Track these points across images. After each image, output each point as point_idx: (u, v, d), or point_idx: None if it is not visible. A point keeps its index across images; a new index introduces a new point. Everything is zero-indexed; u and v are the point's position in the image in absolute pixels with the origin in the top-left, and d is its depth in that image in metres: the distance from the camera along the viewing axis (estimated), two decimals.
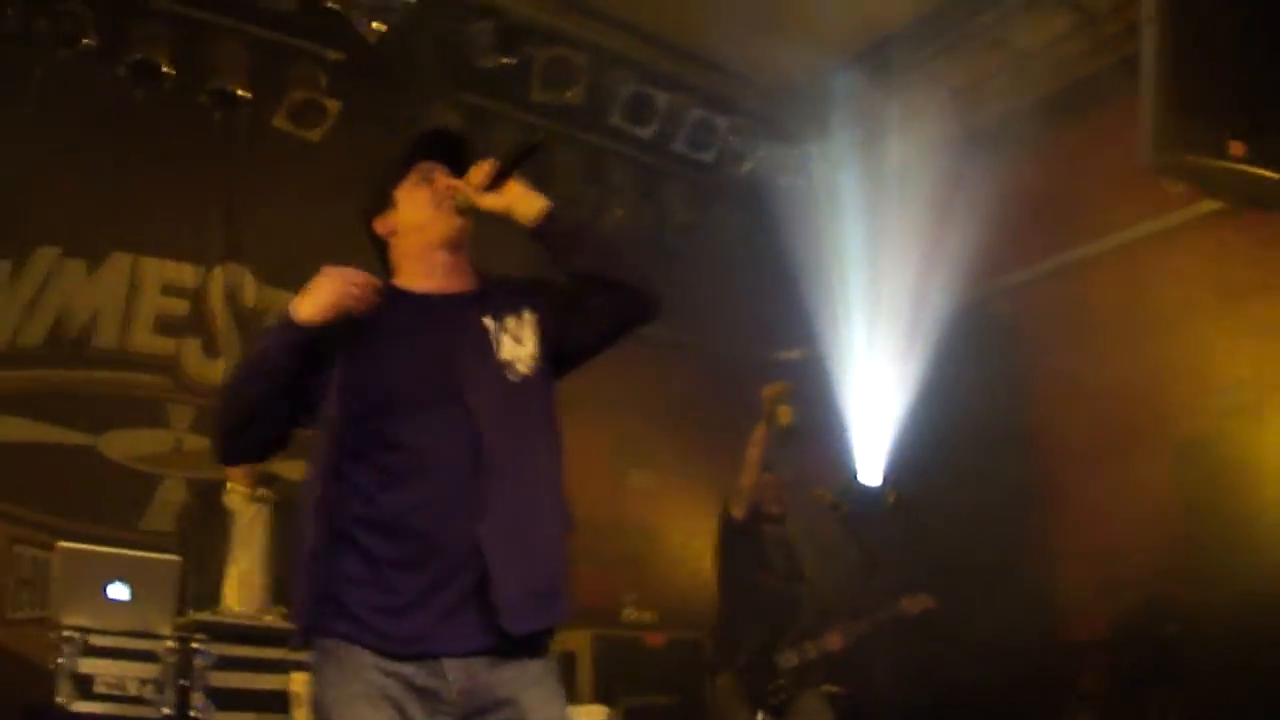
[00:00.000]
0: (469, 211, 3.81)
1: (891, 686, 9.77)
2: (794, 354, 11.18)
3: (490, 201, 3.78)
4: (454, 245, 3.87)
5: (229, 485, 7.83)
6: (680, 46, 10.94)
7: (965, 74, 10.60)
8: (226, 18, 9.61)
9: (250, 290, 10.21)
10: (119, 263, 9.73)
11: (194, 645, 6.79)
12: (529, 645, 3.56)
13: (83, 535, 7.92)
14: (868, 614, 8.84)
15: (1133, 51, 8.29)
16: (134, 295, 9.78)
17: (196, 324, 10.02)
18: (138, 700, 6.69)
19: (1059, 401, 9.83)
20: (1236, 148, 5.82)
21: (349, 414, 3.61)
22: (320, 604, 3.54)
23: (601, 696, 9.01)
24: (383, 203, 3.94)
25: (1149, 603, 8.97)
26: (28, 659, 8.05)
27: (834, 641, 8.65)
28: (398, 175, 3.93)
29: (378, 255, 3.96)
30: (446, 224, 3.84)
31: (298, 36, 9.89)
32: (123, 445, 9.51)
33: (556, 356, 3.83)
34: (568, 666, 9.36)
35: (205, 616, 7.14)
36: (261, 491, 7.84)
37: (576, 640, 9.55)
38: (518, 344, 3.78)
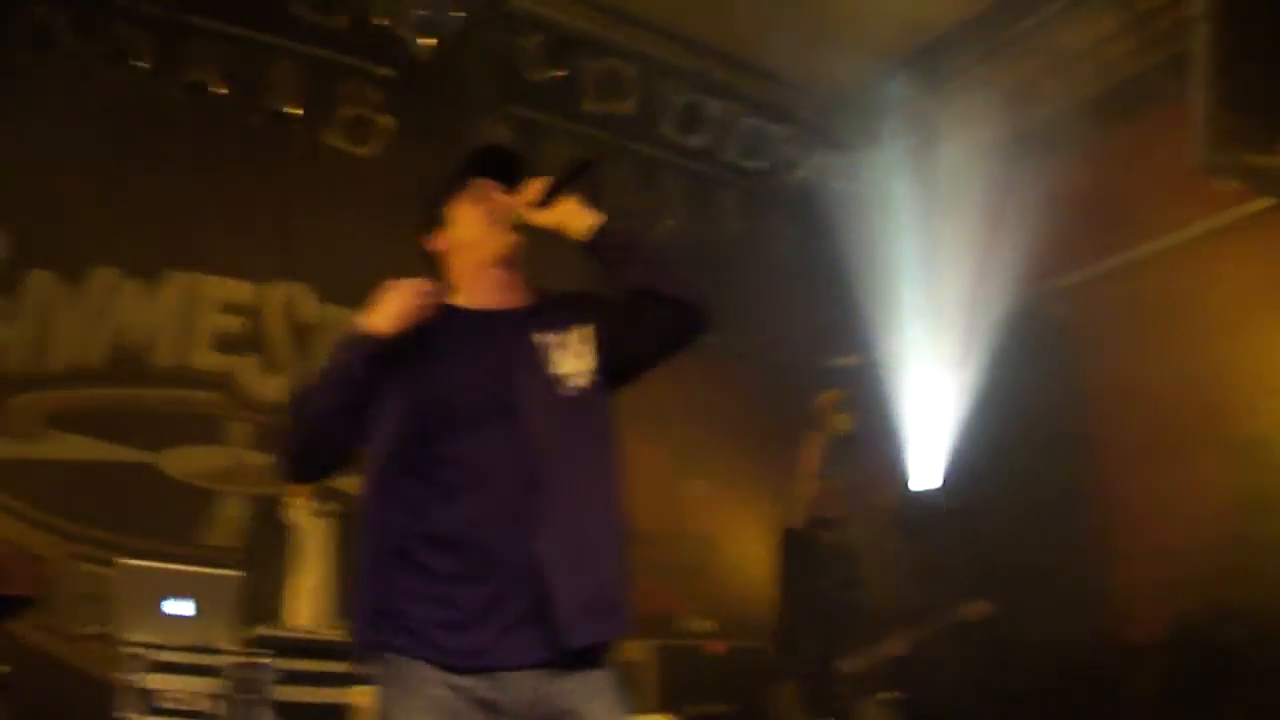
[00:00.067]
0: (522, 228, 3.83)
1: (950, 692, 9.74)
2: (850, 361, 11.13)
3: (543, 218, 3.79)
4: (507, 261, 3.89)
5: (296, 501, 7.88)
6: (730, 55, 10.94)
7: (1013, 76, 10.55)
8: (278, 37, 9.66)
9: (307, 306, 10.27)
10: (177, 281, 9.80)
11: (256, 660, 6.84)
12: (590, 657, 3.57)
13: (143, 551, 7.97)
14: (927, 620, 8.84)
15: (1181, 49, 8.28)
16: (192, 313, 9.84)
17: (254, 341, 10.08)
18: (201, 715, 6.75)
19: (1115, 403, 9.77)
20: None
21: (404, 431, 3.62)
22: (380, 619, 3.56)
23: (664, 705, 9.02)
24: (436, 220, 3.96)
25: (1208, 605, 8.91)
26: (90, 675, 8.10)
27: (894, 648, 8.66)
28: (451, 192, 3.95)
29: (432, 273, 3.96)
30: (500, 240, 3.86)
31: (349, 54, 9.93)
32: (182, 462, 9.57)
33: (612, 371, 3.83)
34: (630, 676, 9.35)
35: (267, 631, 7.18)
36: (327, 505, 7.88)
37: (638, 650, 9.56)
38: (572, 359, 3.78)
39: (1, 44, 8.80)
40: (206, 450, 9.70)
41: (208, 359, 9.88)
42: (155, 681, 6.66)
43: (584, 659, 3.55)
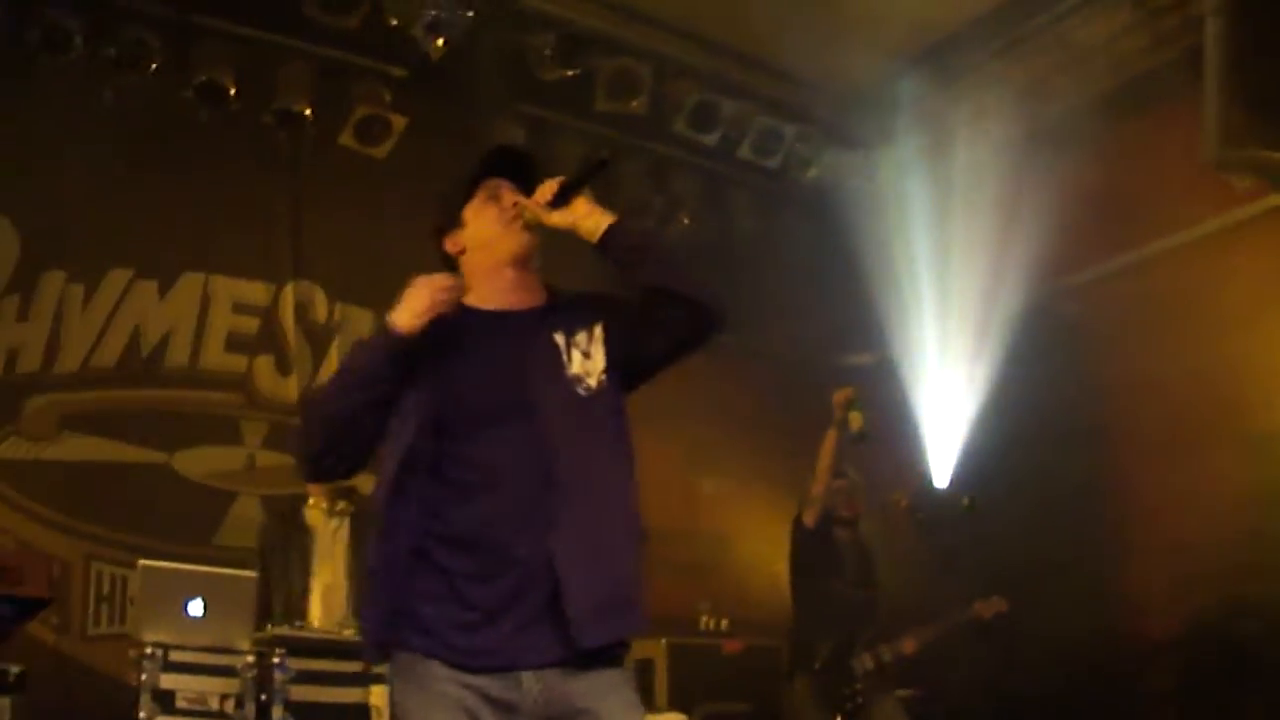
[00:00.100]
0: (536, 228, 3.84)
1: (965, 688, 9.74)
2: (864, 359, 11.15)
3: (557, 218, 3.79)
4: (522, 262, 3.89)
5: (310, 501, 7.89)
6: (744, 54, 10.92)
7: (1026, 73, 10.53)
8: (289, 38, 9.67)
9: (320, 306, 10.28)
10: (190, 282, 9.81)
11: (273, 659, 6.84)
12: (604, 656, 3.57)
13: (158, 552, 8.00)
14: (941, 617, 8.84)
15: (1194, 44, 8.27)
16: (205, 314, 9.85)
17: (267, 341, 10.09)
18: (219, 715, 6.75)
19: (1130, 399, 9.76)
20: None
21: (420, 431, 3.62)
22: (395, 618, 3.58)
23: (678, 704, 9.02)
24: (451, 221, 3.96)
25: (1223, 600, 8.91)
26: (108, 675, 8.12)
27: (908, 645, 8.66)
28: (466, 193, 3.94)
29: (448, 273, 3.97)
30: (514, 241, 3.85)
31: (361, 54, 9.95)
32: (196, 463, 9.59)
33: (626, 370, 3.84)
34: (644, 674, 9.36)
35: (284, 631, 7.19)
36: (341, 505, 7.89)
37: (652, 648, 9.55)
38: (587, 358, 3.78)
39: (14, 46, 8.82)
40: (220, 451, 9.72)
41: (221, 359, 9.89)
42: (171, 681, 6.67)
43: (598, 658, 3.55)
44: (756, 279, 10.99)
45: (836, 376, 9.76)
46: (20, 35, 8.78)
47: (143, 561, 7.19)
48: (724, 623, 10.63)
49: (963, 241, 10.47)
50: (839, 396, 8.58)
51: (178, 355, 9.70)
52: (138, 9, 9.15)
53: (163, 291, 9.68)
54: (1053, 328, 10.19)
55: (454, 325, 3.72)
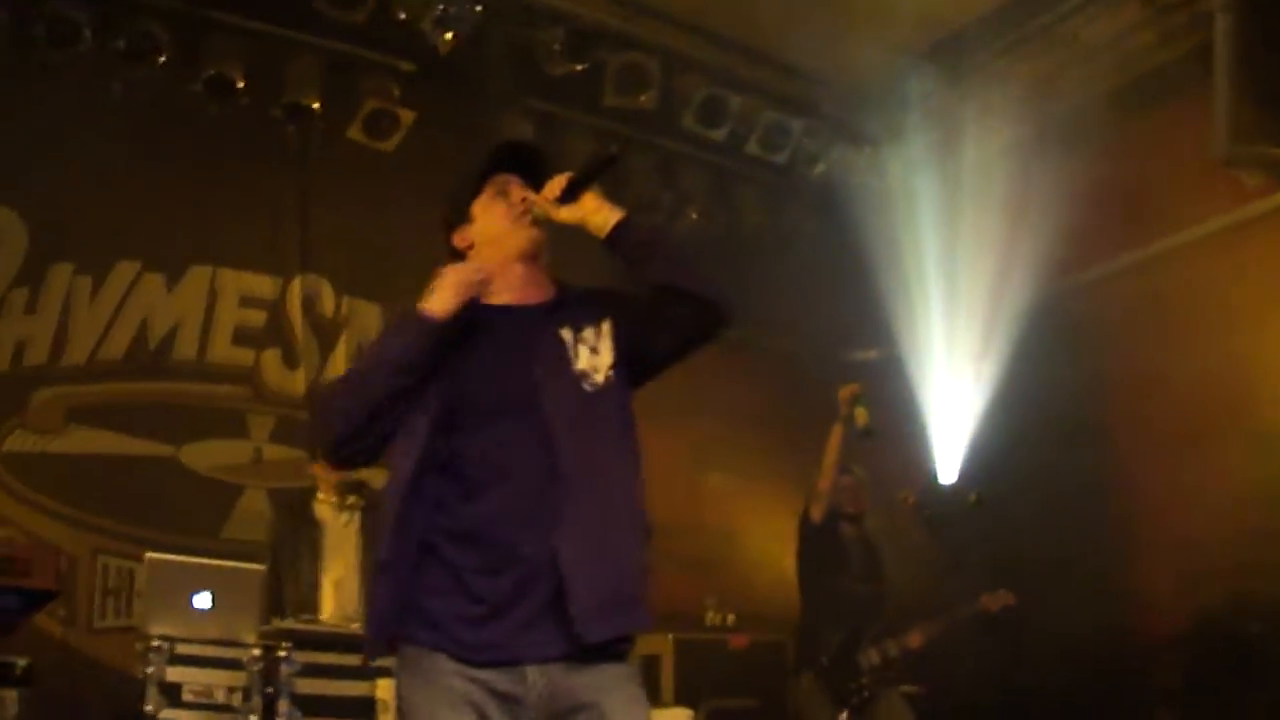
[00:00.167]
0: (545, 223, 3.84)
1: (971, 684, 9.75)
2: (871, 354, 11.14)
3: (565, 213, 3.79)
4: (530, 257, 3.89)
5: (320, 495, 7.89)
6: (752, 49, 10.91)
7: (1034, 70, 10.52)
8: (298, 31, 9.67)
9: (328, 300, 10.28)
10: (197, 275, 9.80)
11: (279, 653, 6.85)
12: (608, 651, 3.58)
13: (165, 545, 7.97)
14: (948, 611, 8.85)
15: (1202, 40, 8.26)
16: (213, 307, 9.85)
17: (275, 335, 10.08)
18: (225, 708, 6.77)
19: (1137, 396, 9.76)
20: None
21: (433, 426, 3.63)
22: (402, 612, 3.59)
23: (684, 699, 9.02)
24: (460, 216, 3.96)
25: (1230, 597, 8.91)
26: (114, 668, 8.13)
27: (914, 640, 8.67)
28: (474, 189, 3.94)
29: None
30: (522, 236, 3.86)
31: (369, 48, 9.94)
32: (203, 456, 9.58)
33: (633, 366, 3.84)
34: (650, 670, 9.37)
35: (289, 624, 7.20)
36: (351, 499, 7.89)
37: (659, 643, 9.55)
38: (594, 354, 3.79)
39: (23, 40, 8.82)
40: (227, 444, 9.72)
41: (228, 353, 9.88)
42: (178, 674, 6.68)
43: (603, 653, 3.56)
44: (764, 274, 10.99)
45: (843, 372, 9.76)
46: (29, 28, 8.78)
47: (149, 554, 7.19)
48: (730, 618, 10.64)
49: (970, 238, 10.47)
50: (844, 392, 8.58)
51: (185, 348, 9.69)
52: (146, 2, 9.15)
53: (170, 284, 9.68)
54: (1060, 325, 10.18)
55: (463, 320, 3.72)
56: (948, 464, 10.67)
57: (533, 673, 3.51)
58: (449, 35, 9.50)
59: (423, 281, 3.73)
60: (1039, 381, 9.93)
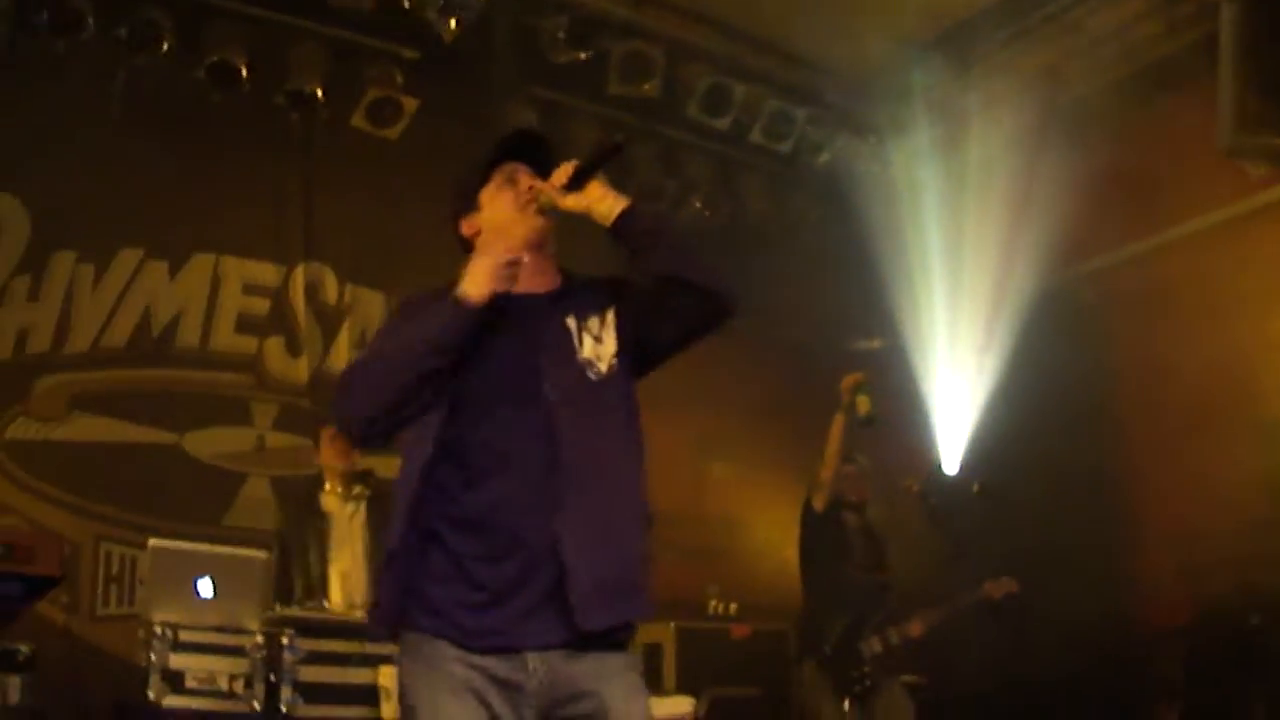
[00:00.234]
0: (551, 212, 3.83)
1: (973, 673, 9.75)
2: (874, 344, 11.12)
3: (571, 202, 3.78)
4: (536, 245, 3.87)
5: (326, 486, 7.90)
6: (756, 37, 10.90)
7: (1040, 60, 10.51)
8: (302, 18, 9.66)
9: (331, 287, 10.28)
10: (200, 263, 9.80)
11: (282, 640, 6.85)
12: (608, 639, 3.60)
13: (168, 533, 7.97)
14: (950, 600, 8.85)
15: (1208, 30, 8.24)
16: (216, 295, 9.84)
17: (278, 323, 10.08)
18: (228, 695, 6.76)
19: (1142, 386, 9.75)
20: None
21: (438, 414, 3.64)
22: (405, 599, 3.61)
23: (686, 688, 9.00)
24: (467, 204, 3.96)
25: (1232, 589, 8.90)
26: (117, 655, 8.12)
27: (915, 628, 8.66)
28: (482, 177, 3.94)
29: (465, 256, 3.95)
30: (529, 225, 3.84)
31: (373, 36, 9.92)
32: (206, 444, 9.59)
33: (638, 355, 3.85)
34: (653, 658, 9.37)
35: (293, 612, 7.20)
36: (357, 489, 7.90)
37: (661, 632, 9.55)
38: (598, 343, 3.80)
39: (26, 28, 8.81)
40: (230, 431, 9.73)
41: (231, 340, 9.88)
42: (180, 661, 6.68)
43: (604, 641, 3.58)
44: (767, 263, 10.97)
45: (846, 361, 9.74)
46: (32, 15, 8.77)
47: (152, 541, 7.17)
48: (733, 607, 10.62)
49: (975, 227, 10.47)
50: (847, 381, 8.58)
51: (188, 336, 9.69)
52: None
53: (173, 272, 9.67)
54: (1064, 314, 10.18)
55: (497, 306, 3.70)
56: (952, 453, 10.68)
57: (533, 660, 3.52)
58: (453, 22, 9.50)
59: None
60: (1043, 371, 9.93)
